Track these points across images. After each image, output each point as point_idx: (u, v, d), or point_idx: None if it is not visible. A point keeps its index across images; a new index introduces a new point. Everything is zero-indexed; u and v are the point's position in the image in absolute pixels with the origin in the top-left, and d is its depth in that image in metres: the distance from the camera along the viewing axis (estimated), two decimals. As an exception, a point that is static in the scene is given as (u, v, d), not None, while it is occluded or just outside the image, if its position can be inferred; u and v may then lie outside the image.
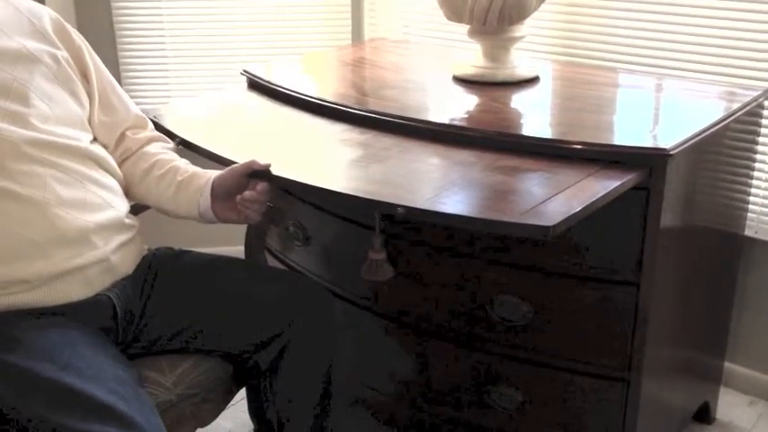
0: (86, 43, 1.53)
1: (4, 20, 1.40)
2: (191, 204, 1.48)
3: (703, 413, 1.95)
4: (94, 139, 1.48)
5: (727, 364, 2.05)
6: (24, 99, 1.35)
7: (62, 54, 1.45)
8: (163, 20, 2.54)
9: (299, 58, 2.20)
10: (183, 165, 1.53)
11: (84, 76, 1.49)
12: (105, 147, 1.50)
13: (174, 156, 1.56)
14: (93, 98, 1.50)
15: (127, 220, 1.45)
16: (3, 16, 1.40)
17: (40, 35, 1.43)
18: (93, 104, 1.50)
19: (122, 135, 1.55)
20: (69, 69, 1.45)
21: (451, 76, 1.87)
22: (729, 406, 2.05)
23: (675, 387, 1.75)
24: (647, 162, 1.36)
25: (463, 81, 1.83)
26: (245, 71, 1.94)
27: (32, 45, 1.40)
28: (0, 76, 1.33)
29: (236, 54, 2.53)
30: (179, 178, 1.49)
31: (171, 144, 1.60)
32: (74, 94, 1.45)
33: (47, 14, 1.48)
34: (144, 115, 1.61)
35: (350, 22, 2.58)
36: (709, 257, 1.75)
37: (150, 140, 1.58)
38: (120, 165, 1.52)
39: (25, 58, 1.38)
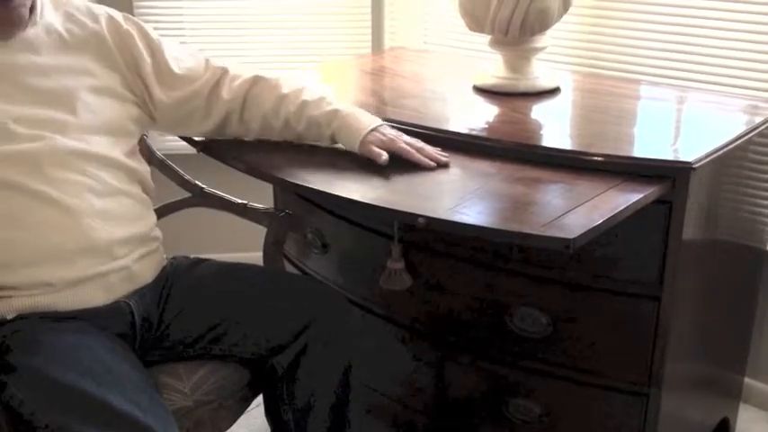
0: (139, 26, 1.52)
1: (63, 33, 1.41)
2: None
3: (723, 429, 1.92)
4: (139, 142, 1.51)
5: (747, 380, 2.03)
6: (71, 108, 1.36)
7: (113, 59, 1.46)
8: (184, 26, 2.55)
9: (319, 66, 2.21)
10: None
11: (136, 65, 1.49)
12: (195, 119, 1.54)
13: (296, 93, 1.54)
14: (150, 83, 1.50)
15: (152, 234, 1.46)
16: (60, 28, 1.41)
17: (95, 48, 1.44)
18: (153, 88, 1.50)
19: (214, 95, 1.54)
20: (118, 72, 1.46)
21: (472, 86, 1.86)
22: (749, 422, 2.03)
23: (695, 402, 1.73)
24: (670, 175, 1.35)
25: (484, 91, 1.83)
26: (265, 79, 1.94)
27: (83, 60, 1.42)
28: (47, 86, 1.35)
29: (256, 61, 2.54)
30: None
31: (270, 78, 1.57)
32: (118, 96, 1.45)
33: (103, 15, 1.48)
34: (220, 65, 1.57)
35: (370, 30, 2.58)
36: (730, 272, 1.73)
37: (252, 83, 1.55)
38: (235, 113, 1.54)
39: (75, 71, 1.40)
